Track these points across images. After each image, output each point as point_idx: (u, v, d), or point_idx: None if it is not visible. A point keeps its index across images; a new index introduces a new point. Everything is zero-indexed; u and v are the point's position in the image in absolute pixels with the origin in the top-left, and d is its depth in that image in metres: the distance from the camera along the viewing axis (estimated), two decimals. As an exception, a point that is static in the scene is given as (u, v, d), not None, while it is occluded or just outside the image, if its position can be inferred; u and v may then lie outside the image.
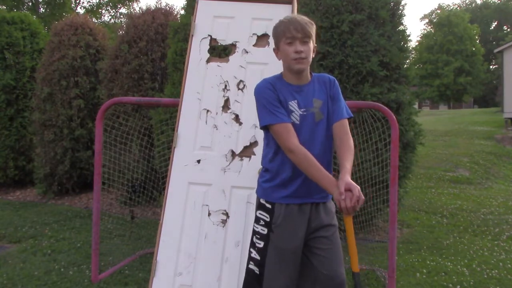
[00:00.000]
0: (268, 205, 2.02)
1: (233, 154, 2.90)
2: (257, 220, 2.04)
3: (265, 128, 1.98)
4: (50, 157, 6.85)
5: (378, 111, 3.79)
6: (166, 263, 2.79)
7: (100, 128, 3.53)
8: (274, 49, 2.06)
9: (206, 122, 2.98)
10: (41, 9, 21.25)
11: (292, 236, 1.99)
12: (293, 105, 1.98)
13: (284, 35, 1.96)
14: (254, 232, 2.05)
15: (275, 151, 2.00)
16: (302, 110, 1.98)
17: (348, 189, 1.76)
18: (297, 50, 1.93)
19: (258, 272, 2.02)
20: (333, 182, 1.83)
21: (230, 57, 3.10)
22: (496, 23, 46.98)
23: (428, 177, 8.71)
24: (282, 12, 3.12)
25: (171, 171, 2.91)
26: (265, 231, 2.00)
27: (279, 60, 2.04)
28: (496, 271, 3.89)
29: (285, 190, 1.99)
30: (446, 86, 35.24)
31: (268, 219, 2.00)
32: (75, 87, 6.96)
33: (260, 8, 3.15)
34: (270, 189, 2.02)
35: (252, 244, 2.05)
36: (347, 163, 1.89)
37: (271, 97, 1.94)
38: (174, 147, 2.96)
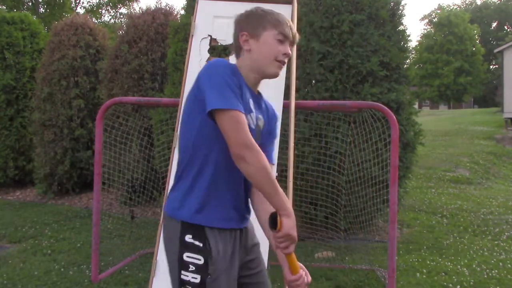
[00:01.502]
0: (198, 243, 1.43)
1: (233, 154, 2.90)
2: (186, 266, 1.43)
3: (208, 115, 1.40)
4: (50, 157, 6.85)
5: (378, 111, 3.80)
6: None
7: (100, 128, 3.53)
8: (244, 34, 1.54)
9: (206, 122, 2.98)
10: (41, 9, 21.25)
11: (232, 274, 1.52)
12: (251, 105, 1.52)
13: (276, 28, 1.54)
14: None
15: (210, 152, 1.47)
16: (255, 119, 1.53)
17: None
18: (287, 52, 1.54)
19: None
20: (286, 199, 1.44)
21: (230, 57, 3.10)
22: (496, 23, 46.97)
23: (428, 177, 8.71)
24: (282, 12, 3.11)
25: (171, 171, 2.91)
26: (197, 279, 1.42)
27: (247, 49, 1.54)
28: (496, 271, 3.89)
29: (223, 211, 1.49)
30: (446, 86, 35.22)
31: (201, 261, 1.43)
32: (75, 87, 6.96)
33: (260, 8, 3.14)
34: (206, 207, 1.47)
35: None
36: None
37: (232, 81, 1.42)
38: (174, 147, 2.96)
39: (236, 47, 1.58)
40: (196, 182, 1.46)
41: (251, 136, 1.38)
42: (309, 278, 1.53)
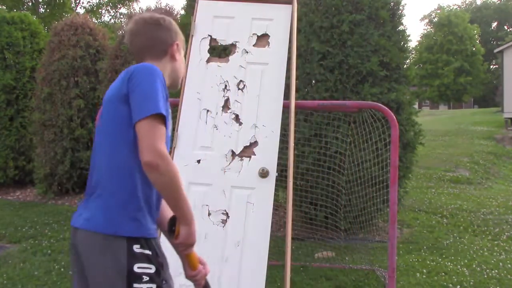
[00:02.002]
0: (148, 251, 1.39)
1: (233, 154, 2.90)
2: (138, 278, 1.36)
3: (145, 120, 1.33)
4: (50, 157, 6.85)
5: (378, 111, 3.79)
6: (166, 263, 2.79)
7: (100, 128, 3.52)
8: (177, 44, 1.63)
9: (206, 122, 2.98)
10: (41, 9, 21.25)
11: None
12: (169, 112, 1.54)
13: (183, 43, 1.69)
14: None
15: None
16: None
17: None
18: None
19: None
20: (189, 205, 1.44)
21: (230, 57, 3.10)
22: (496, 23, 46.96)
23: (428, 177, 8.71)
24: (282, 12, 3.12)
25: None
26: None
27: (175, 59, 1.62)
28: (496, 271, 3.89)
29: (153, 220, 1.47)
30: (446, 86, 35.20)
31: (153, 270, 1.39)
32: (75, 87, 6.97)
33: (260, 8, 3.14)
34: (145, 219, 1.42)
35: None
36: None
37: (164, 91, 1.43)
38: (174, 147, 2.96)
39: (159, 50, 1.59)
40: (132, 194, 1.39)
41: (165, 146, 1.35)
42: (207, 270, 1.58)
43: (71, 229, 1.46)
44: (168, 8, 6.84)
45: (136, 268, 1.36)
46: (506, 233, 5.13)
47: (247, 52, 3.09)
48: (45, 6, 21.37)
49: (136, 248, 1.37)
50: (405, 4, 5.05)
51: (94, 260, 1.37)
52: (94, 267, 1.37)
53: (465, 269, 3.95)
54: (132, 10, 22.41)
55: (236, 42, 3.12)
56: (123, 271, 1.34)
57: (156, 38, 1.59)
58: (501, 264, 4.08)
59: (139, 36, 1.58)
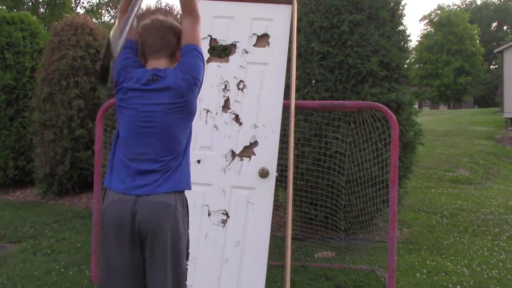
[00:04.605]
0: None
1: (233, 154, 2.90)
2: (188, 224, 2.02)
3: None
4: (50, 157, 6.85)
5: (378, 111, 3.80)
6: (166, 263, 2.79)
7: (100, 128, 3.54)
8: (180, 49, 1.98)
9: (206, 122, 2.98)
10: (41, 9, 21.27)
11: None
12: None
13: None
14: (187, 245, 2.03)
15: None
16: None
17: None
18: None
19: None
20: None
21: (230, 57, 3.10)
22: (496, 23, 46.99)
23: (428, 177, 8.71)
24: (282, 12, 3.12)
25: (171, 171, 2.90)
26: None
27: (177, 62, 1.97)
28: (496, 271, 3.89)
29: None
30: (446, 86, 35.22)
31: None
32: (75, 87, 6.96)
33: (260, 8, 3.14)
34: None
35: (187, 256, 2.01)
36: None
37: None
38: (174, 147, 2.96)
39: (171, 52, 1.93)
40: (185, 158, 2.04)
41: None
42: None
43: (131, 204, 1.81)
44: (168, 8, 6.85)
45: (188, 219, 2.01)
46: (506, 233, 5.13)
47: (247, 52, 3.09)
48: (45, 6, 21.39)
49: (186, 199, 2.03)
50: (405, 4, 5.05)
51: (176, 218, 1.89)
52: (178, 226, 1.88)
53: (465, 269, 3.95)
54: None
55: (236, 42, 3.12)
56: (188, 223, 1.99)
57: (171, 42, 1.90)
58: (501, 264, 4.08)
59: (157, 35, 1.87)
